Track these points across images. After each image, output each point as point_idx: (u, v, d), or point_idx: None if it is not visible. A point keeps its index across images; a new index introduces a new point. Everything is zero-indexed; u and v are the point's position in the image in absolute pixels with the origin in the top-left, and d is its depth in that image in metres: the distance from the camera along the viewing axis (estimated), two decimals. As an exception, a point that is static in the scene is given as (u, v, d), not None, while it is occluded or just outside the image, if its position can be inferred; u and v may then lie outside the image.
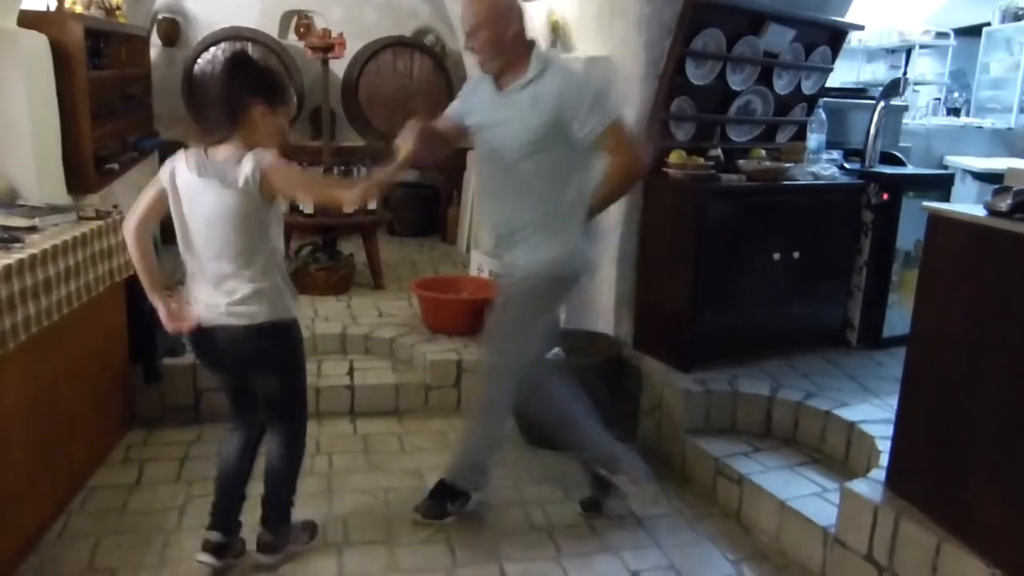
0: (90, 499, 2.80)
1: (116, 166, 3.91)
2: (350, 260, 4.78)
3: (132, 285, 3.23)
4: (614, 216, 3.60)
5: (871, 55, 8.32)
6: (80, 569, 2.41)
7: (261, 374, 2.35)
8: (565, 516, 2.82)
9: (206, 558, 2.36)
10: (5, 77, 2.98)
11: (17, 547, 2.39)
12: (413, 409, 3.65)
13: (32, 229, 2.64)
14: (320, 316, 4.17)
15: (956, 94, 7.88)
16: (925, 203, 2.30)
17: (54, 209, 2.87)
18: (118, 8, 4.44)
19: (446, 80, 6.27)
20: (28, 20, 3.25)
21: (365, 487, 2.97)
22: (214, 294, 2.23)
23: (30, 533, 2.47)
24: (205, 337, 2.29)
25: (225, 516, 2.42)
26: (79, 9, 3.79)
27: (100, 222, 2.91)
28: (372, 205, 4.82)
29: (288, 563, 2.47)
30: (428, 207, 6.42)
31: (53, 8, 3.59)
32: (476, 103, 2.56)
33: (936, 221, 2.25)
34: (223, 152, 2.16)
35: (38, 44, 3.20)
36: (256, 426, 2.47)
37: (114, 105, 4.13)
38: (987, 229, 2.05)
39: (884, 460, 2.50)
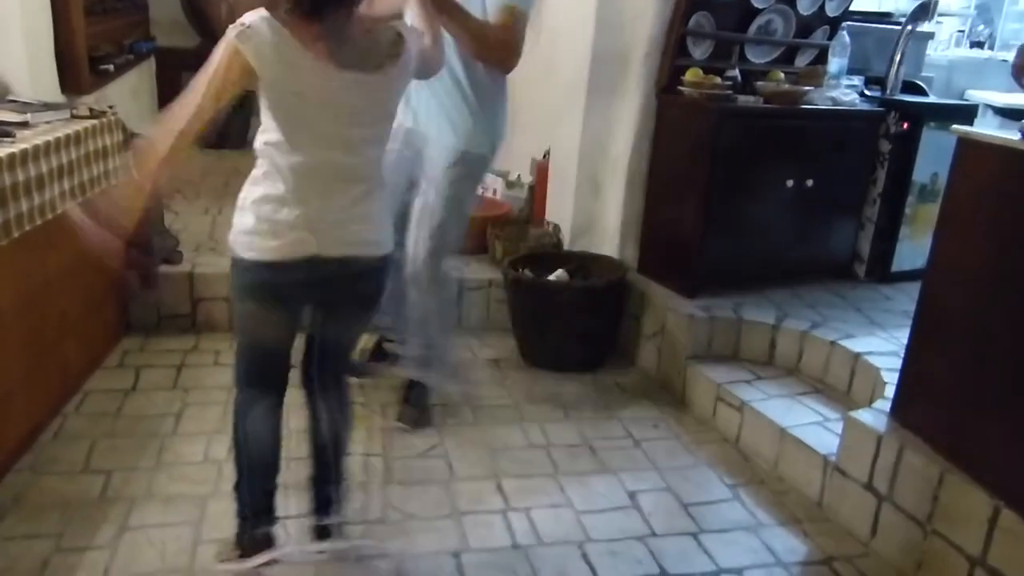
0: (86, 402, 2.78)
1: (111, 67, 3.78)
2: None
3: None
4: (625, 136, 3.50)
5: (895, -17, 8.02)
6: (75, 470, 2.40)
7: (365, 317, 2.03)
8: (564, 435, 2.82)
9: (324, 546, 2.02)
10: (-6, -34, 2.84)
11: (11, 446, 2.37)
12: (413, 326, 3.61)
13: (24, 124, 2.53)
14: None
15: (981, 27, 7.62)
16: (955, 126, 2.21)
17: (47, 106, 2.77)
18: None
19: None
20: (17, -97, 3.07)
21: (360, 399, 2.95)
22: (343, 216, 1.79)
23: (24, 432, 2.46)
24: (315, 271, 1.77)
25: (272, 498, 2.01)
26: None
27: (95, 121, 2.80)
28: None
29: (285, 472, 2.45)
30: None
31: None
32: None
33: (965, 146, 2.16)
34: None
35: (28, -70, 3.04)
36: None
37: (108, 2, 3.97)
38: (1022, 154, 1.97)
39: (888, 392, 2.48)
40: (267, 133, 1.73)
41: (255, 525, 1.97)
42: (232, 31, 1.62)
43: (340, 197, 1.77)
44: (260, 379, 1.94)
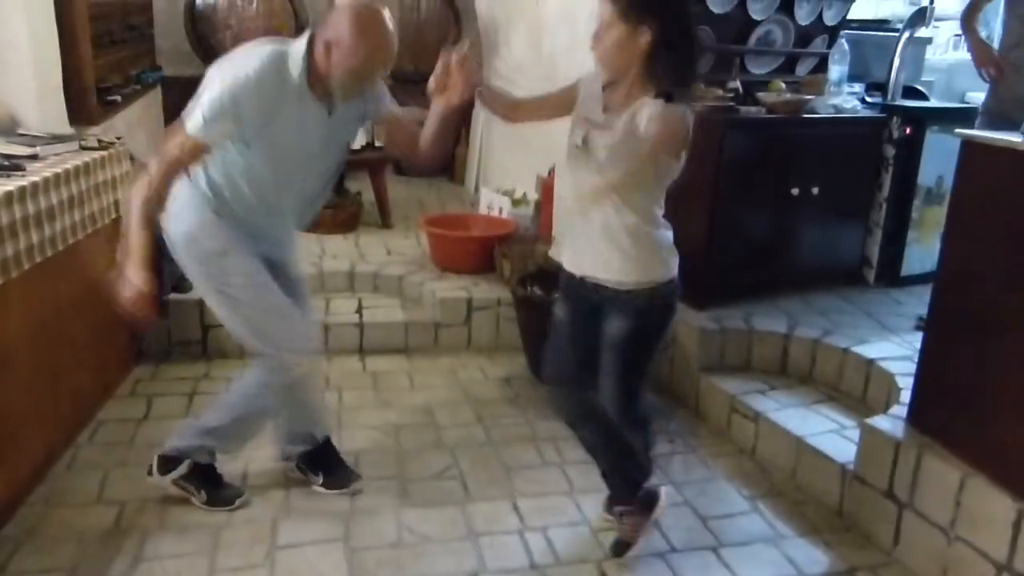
0: (99, 432, 2.78)
1: (119, 98, 3.80)
2: (357, 198, 4.69)
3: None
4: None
5: (890, -10, 8.05)
6: (89, 500, 2.40)
7: None
8: (578, 452, 2.76)
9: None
10: (4, 1, 2.87)
11: (25, 476, 2.37)
12: (422, 347, 3.61)
13: (33, 157, 2.56)
14: (328, 254, 4.11)
15: (978, 31, 7.63)
16: (959, 130, 2.21)
17: (56, 138, 2.79)
18: (116, -67, 4.28)
19: (454, 15, 6.08)
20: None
21: (375, 423, 2.94)
22: None
23: (38, 462, 2.46)
24: None
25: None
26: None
27: (104, 152, 2.83)
28: (379, 142, 4.71)
29: (302, 500, 2.45)
30: (436, 146, 6.28)
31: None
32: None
33: (970, 148, 2.16)
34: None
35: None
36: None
37: (115, 34, 4.00)
38: (1026, 155, 1.97)
39: (904, 397, 2.46)
40: None
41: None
42: None
43: None
44: None
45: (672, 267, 2.08)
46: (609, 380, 2.15)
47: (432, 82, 2.03)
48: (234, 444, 2.42)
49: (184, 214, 2.13)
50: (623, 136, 1.90)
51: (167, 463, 2.37)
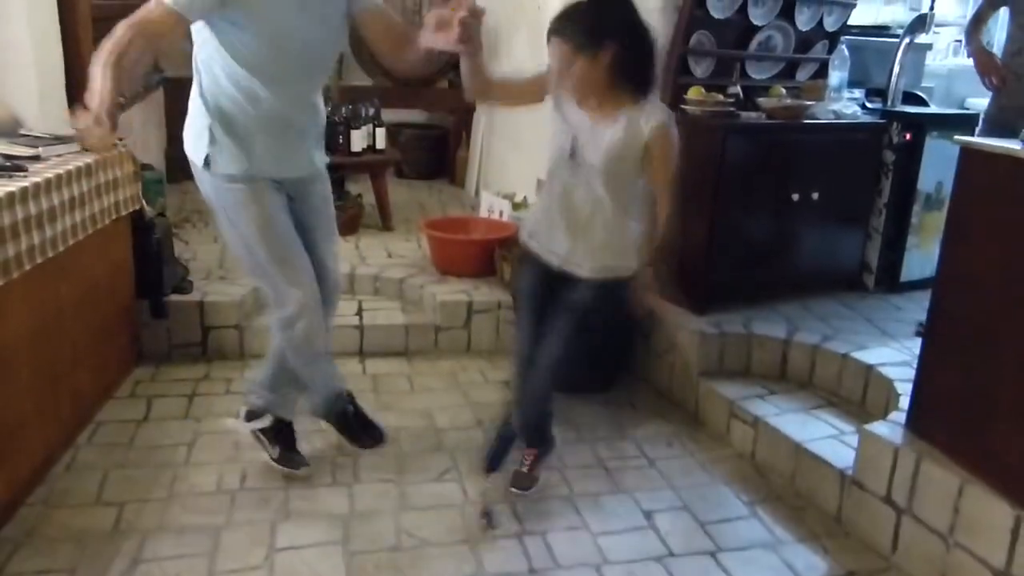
0: (98, 433, 2.78)
1: (121, 99, 3.78)
2: (358, 200, 4.70)
3: (138, 220, 3.18)
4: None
5: (889, -6, 8.07)
6: (88, 501, 2.40)
7: None
8: (578, 456, 2.80)
9: None
10: (5, 2, 2.87)
11: (25, 477, 2.37)
12: (423, 350, 3.61)
13: (35, 158, 2.56)
14: (328, 256, 4.11)
15: (978, 36, 7.64)
16: (957, 136, 2.22)
17: (58, 139, 2.79)
18: (118, -64, 4.29)
19: (455, 18, 6.08)
20: (27, -58, 3.12)
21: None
22: None
23: (37, 463, 2.46)
24: None
25: None
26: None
27: (106, 153, 2.83)
28: (380, 144, 4.72)
29: (299, 501, 2.45)
30: (436, 149, 6.29)
31: (51, -69, 3.44)
32: None
33: (969, 155, 2.17)
34: None
35: (38, -32, 3.07)
36: None
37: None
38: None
39: (903, 403, 2.46)
40: None
41: None
42: None
43: None
44: None
45: (636, 257, 2.27)
46: (559, 339, 2.33)
47: (431, 18, 2.08)
48: (282, 400, 2.55)
49: (199, 142, 2.23)
50: (618, 146, 2.13)
51: (251, 414, 2.54)
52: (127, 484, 2.49)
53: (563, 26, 2.09)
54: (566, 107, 2.22)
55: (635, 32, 2.10)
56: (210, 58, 2.18)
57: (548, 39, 2.11)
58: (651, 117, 2.13)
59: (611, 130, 2.15)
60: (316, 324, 2.39)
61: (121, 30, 1.97)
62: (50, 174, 2.43)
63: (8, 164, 2.41)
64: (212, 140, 2.21)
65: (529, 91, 2.33)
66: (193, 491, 2.47)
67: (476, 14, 2.03)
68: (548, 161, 2.31)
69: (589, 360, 3.27)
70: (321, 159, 2.45)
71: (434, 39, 2.09)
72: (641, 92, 2.14)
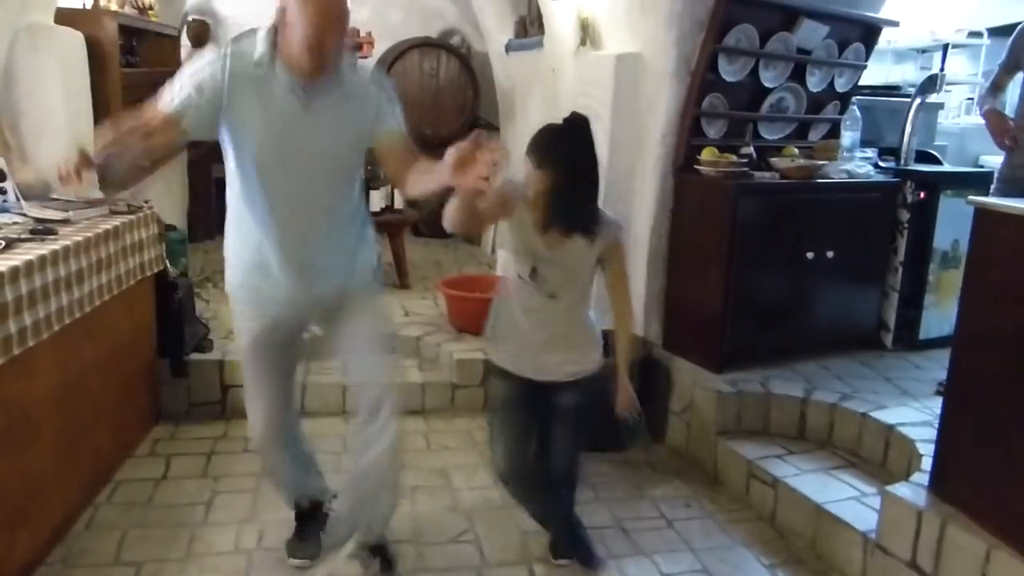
0: (117, 492, 2.80)
1: (147, 163, 3.91)
2: (376, 259, 4.75)
3: (162, 280, 3.25)
4: (644, 215, 3.55)
5: (900, 56, 8.18)
6: (107, 561, 2.40)
7: None
8: (595, 517, 2.77)
9: None
10: (41, 72, 3.00)
11: (45, 537, 2.38)
12: (439, 408, 3.61)
13: (66, 222, 2.64)
14: (346, 314, 4.15)
15: (990, 93, 7.71)
16: (971, 197, 2.24)
17: (88, 203, 2.87)
18: (150, 8, 4.47)
19: (472, 81, 6.25)
20: (65, 17, 3.29)
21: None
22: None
23: (57, 523, 2.47)
24: None
25: None
26: (114, 7, 3.81)
27: (132, 216, 2.91)
28: (399, 204, 4.81)
29: (316, 564, 2.44)
30: (453, 208, 6.37)
31: (89, 5, 3.61)
32: None
33: (983, 215, 2.18)
34: None
35: (74, 40, 3.22)
36: None
37: (146, 102, 4.13)
38: (1039, 223, 1.99)
39: (925, 464, 2.43)
40: None
41: None
42: None
43: None
44: None
45: (599, 349, 2.40)
46: (565, 445, 2.41)
47: (453, 152, 1.79)
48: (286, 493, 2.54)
49: (227, 265, 2.26)
50: (575, 264, 2.27)
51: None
52: (145, 544, 2.49)
53: (531, 142, 2.22)
54: (527, 231, 2.28)
55: (578, 166, 2.19)
56: (230, 187, 2.18)
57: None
58: (604, 236, 2.25)
59: (567, 251, 2.24)
60: (272, 461, 2.43)
61: (114, 123, 2.03)
62: (79, 237, 2.50)
63: (40, 228, 2.48)
64: (233, 264, 2.23)
65: (498, 213, 2.28)
66: (210, 551, 2.47)
67: (503, 156, 1.78)
68: (507, 281, 2.44)
69: (604, 419, 3.27)
70: (356, 273, 2.26)
71: (451, 177, 1.81)
72: (575, 226, 2.21)
